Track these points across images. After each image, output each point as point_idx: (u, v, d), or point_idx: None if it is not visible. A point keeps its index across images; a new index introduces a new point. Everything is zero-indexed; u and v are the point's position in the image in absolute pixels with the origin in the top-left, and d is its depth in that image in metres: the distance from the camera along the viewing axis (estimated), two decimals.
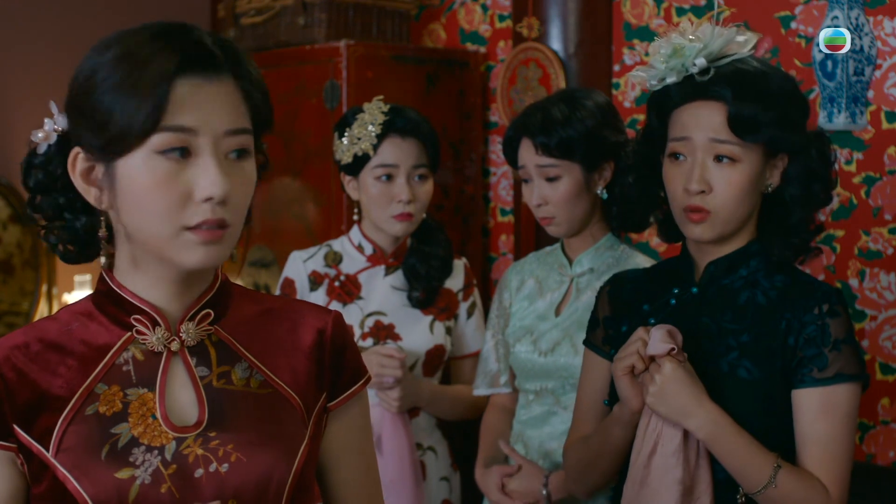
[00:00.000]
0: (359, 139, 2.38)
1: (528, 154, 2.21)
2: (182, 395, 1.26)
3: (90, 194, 1.24)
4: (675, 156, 1.71)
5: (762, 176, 1.70)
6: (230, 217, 1.21)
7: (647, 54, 1.78)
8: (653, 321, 1.76)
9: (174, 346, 1.27)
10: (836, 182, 1.75)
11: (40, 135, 1.28)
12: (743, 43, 1.71)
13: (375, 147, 2.37)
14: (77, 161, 1.24)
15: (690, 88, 1.69)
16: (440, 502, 2.49)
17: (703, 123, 1.67)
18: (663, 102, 1.73)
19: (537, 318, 2.28)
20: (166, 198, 1.18)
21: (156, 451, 1.22)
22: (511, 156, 2.27)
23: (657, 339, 1.67)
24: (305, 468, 1.30)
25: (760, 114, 1.64)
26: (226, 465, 1.23)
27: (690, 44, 1.67)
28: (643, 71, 1.74)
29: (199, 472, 1.22)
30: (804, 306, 1.67)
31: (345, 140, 2.41)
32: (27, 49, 3.66)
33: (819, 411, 1.64)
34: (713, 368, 1.69)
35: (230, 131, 1.21)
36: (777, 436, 1.67)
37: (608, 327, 1.85)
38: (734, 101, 1.65)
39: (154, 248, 1.22)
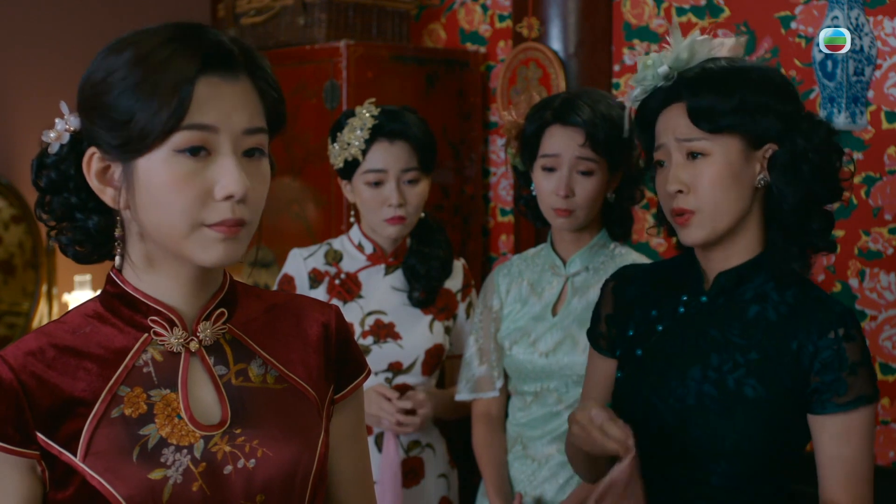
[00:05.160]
0: (348, 144, 2.39)
1: (569, 143, 2.18)
2: (203, 394, 1.27)
3: (106, 194, 1.24)
4: (659, 164, 1.73)
5: (745, 168, 1.66)
6: (248, 215, 1.23)
7: (647, 54, 1.78)
8: (661, 328, 1.75)
9: (193, 345, 1.28)
10: (834, 162, 1.67)
11: (52, 135, 1.26)
12: (719, 46, 1.71)
13: (364, 152, 2.38)
14: (92, 161, 1.24)
15: (661, 97, 1.71)
16: (438, 499, 2.49)
17: (670, 126, 1.68)
18: (644, 117, 1.76)
19: (532, 319, 2.28)
20: (186, 195, 1.19)
21: (185, 451, 1.23)
22: (536, 138, 2.23)
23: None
24: (324, 459, 1.33)
25: (718, 103, 1.64)
26: (253, 460, 1.25)
27: (658, 56, 1.69)
28: (628, 96, 1.77)
29: (228, 469, 1.24)
30: (818, 329, 1.64)
31: (336, 145, 2.42)
32: (28, 49, 3.66)
33: (842, 436, 1.64)
34: (720, 383, 1.67)
35: (248, 130, 1.23)
36: (782, 456, 1.66)
37: (612, 326, 1.84)
38: (691, 96, 1.66)
39: (171, 245, 1.22)
